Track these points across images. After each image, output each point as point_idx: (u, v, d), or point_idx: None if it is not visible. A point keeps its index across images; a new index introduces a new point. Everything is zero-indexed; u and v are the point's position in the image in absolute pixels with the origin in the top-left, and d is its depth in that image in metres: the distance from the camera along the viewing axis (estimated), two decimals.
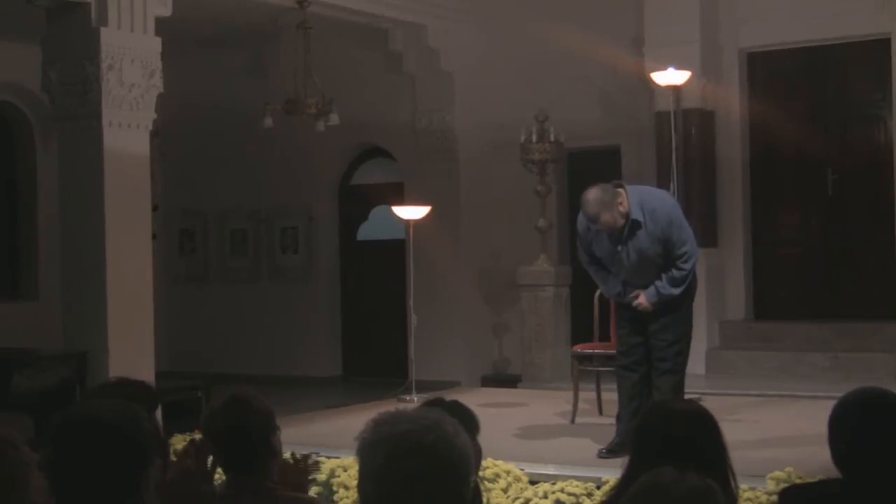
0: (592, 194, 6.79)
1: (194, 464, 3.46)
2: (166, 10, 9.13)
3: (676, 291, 6.96)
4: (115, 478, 2.53)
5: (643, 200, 6.92)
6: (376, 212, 13.23)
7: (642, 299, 6.99)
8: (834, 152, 11.01)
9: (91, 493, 2.52)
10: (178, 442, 7.18)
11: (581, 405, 8.36)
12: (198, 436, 3.60)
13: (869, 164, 10.80)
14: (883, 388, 3.17)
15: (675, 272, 6.91)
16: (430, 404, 3.46)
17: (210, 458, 3.51)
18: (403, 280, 11.45)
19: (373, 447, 2.02)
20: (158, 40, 9.01)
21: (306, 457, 3.93)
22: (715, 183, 11.15)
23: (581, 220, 7.05)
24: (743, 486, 5.65)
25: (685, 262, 6.92)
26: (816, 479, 4.15)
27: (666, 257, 6.91)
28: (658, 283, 6.93)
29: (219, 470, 3.57)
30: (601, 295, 8.69)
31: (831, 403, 3.15)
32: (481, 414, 3.65)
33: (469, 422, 3.47)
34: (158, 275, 10.42)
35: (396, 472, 1.98)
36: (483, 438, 3.61)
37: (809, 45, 10.94)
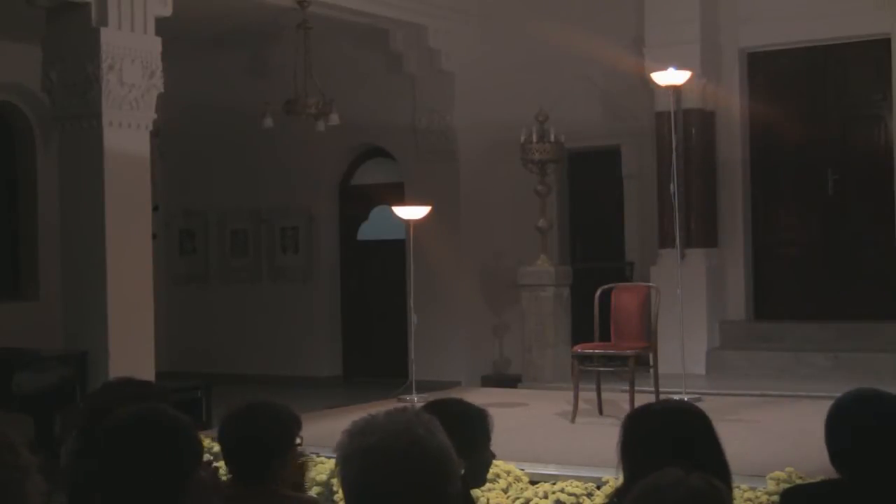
0: None
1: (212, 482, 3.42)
2: (166, 10, 9.14)
3: None
4: (168, 480, 2.54)
5: None
6: (376, 212, 13.23)
7: None
8: (834, 152, 11.01)
9: (142, 495, 2.52)
10: None
11: (581, 405, 8.35)
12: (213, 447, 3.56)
13: (869, 164, 10.80)
14: (877, 388, 3.18)
15: None
16: (431, 405, 3.44)
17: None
18: (403, 280, 11.45)
19: (347, 460, 2.01)
20: (158, 40, 9.01)
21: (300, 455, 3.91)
22: (715, 183, 11.15)
23: None
24: (743, 486, 5.65)
25: None
26: (817, 479, 4.15)
27: None
28: None
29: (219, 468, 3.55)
30: (601, 295, 8.70)
31: (831, 403, 3.16)
32: None
33: (474, 424, 3.46)
34: (159, 275, 10.41)
35: (373, 484, 1.97)
36: None
37: (809, 45, 10.94)
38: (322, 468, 6.54)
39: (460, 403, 3.55)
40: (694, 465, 2.31)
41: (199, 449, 2.66)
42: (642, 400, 7.11)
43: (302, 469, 3.75)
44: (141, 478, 2.52)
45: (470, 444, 3.30)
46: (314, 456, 6.47)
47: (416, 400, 9.31)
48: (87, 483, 2.58)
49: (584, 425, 8.08)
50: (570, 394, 8.41)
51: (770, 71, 11.31)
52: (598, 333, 8.66)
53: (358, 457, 1.99)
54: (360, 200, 13.45)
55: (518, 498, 6.19)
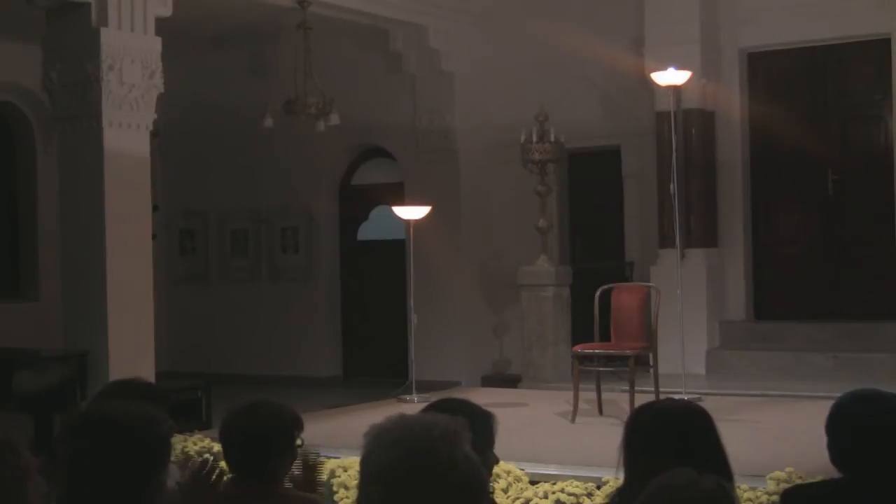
0: None
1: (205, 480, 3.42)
2: (166, 10, 9.14)
3: None
4: (126, 479, 2.52)
5: None
6: (376, 212, 13.24)
7: None
8: (834, 152, 11.00)
9: (103, 491, 2.51)
10: (178, 442, 7.18)
11: (581, 405, 8.35)
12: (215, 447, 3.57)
13: (869, 164, 10.80)
14: (877, 388, 3.18)
15: None
16: (435, 406, 3.43)
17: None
18: (403, 280, 11.46)
19: (365, 461, 1.99)
20: (158, 40, 9.02)
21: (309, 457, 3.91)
22: (715, 183, 11.15)
23: None
24: (743, 486, 5.65)
25: None
26: (817, 479, 4.15)
27: None
28: None
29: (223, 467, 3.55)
30: (601, 295, 8.70)
31: (831, 403, 3.16)
32: None
33: (478, 426, 3.45)
34: (159, 275, 10.41)
35: (384, 492, 1.95)
36: None
37: (809, 45, 10.94)
38: (322, 468, 6.54)
39: (466, 405, 3.55)
40: (696, 465, 2.31)
41: (160, 448, 2.61)
42: (642, 400, 7.07)
43: (314, 468, 3.74)
44: (98, 476, 2.51)
45: (473, 446, 3.29)
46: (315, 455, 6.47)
47: (416, 400, 9.32)
48: (73, 479, 2.57)
49: (584, 425, 8.08)
50: (570, 394, 8.41)
51: (770, 71, 11.31)
52: (598, 333, 8.67)
53: (375, 458, 1.97)
54: (360, 200, 13.45)
55: (518, 498, 6.19)
